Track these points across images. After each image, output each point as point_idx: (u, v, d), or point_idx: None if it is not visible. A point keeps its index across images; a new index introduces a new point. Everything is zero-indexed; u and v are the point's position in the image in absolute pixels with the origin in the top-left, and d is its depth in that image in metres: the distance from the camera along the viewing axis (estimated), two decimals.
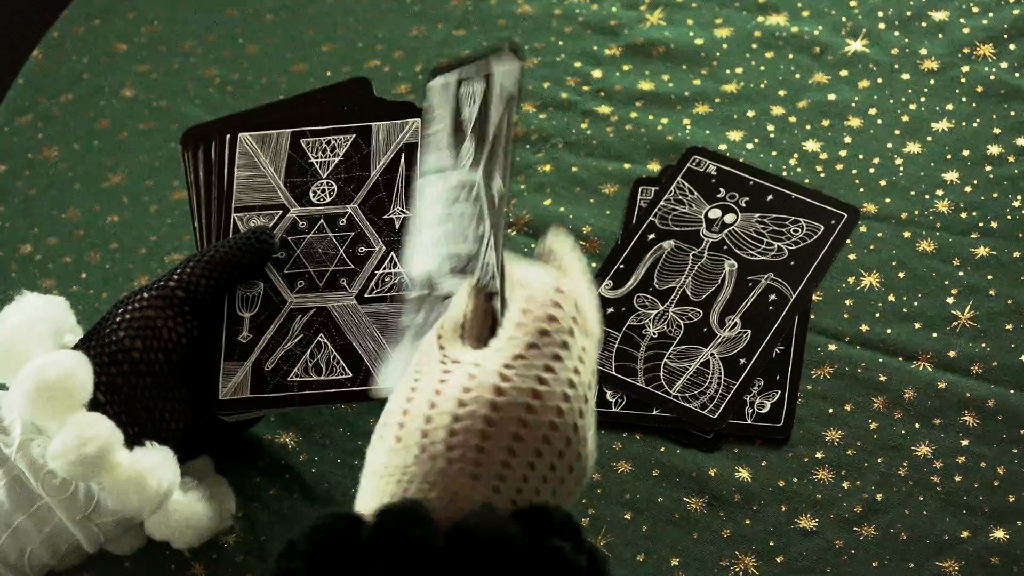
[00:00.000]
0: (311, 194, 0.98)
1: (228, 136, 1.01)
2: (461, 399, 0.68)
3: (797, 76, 1.15)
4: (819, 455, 0.96)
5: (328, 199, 0.98)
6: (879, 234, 1.05)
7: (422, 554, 0.64)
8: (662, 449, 0.97)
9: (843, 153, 1.10)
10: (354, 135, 0.99)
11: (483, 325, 0.75)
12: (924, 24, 1.17)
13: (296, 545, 0.67)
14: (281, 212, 0.98)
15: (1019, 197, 1.05)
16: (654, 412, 0.99)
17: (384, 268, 0.94)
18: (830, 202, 1.06)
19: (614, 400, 0.99)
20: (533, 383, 0.69)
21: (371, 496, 0.69)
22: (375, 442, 0.71)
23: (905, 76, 1.14)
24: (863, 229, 1.05)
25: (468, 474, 0.67)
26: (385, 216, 0.96)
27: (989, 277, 1.02)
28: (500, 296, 0.74)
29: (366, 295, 0.94)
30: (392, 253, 0.94)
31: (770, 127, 1.12)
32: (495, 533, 0.64)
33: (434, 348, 0.73)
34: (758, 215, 1.06)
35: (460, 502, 0.67)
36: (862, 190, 1.07)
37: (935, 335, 0.99)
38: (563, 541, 0.65)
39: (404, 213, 0.96)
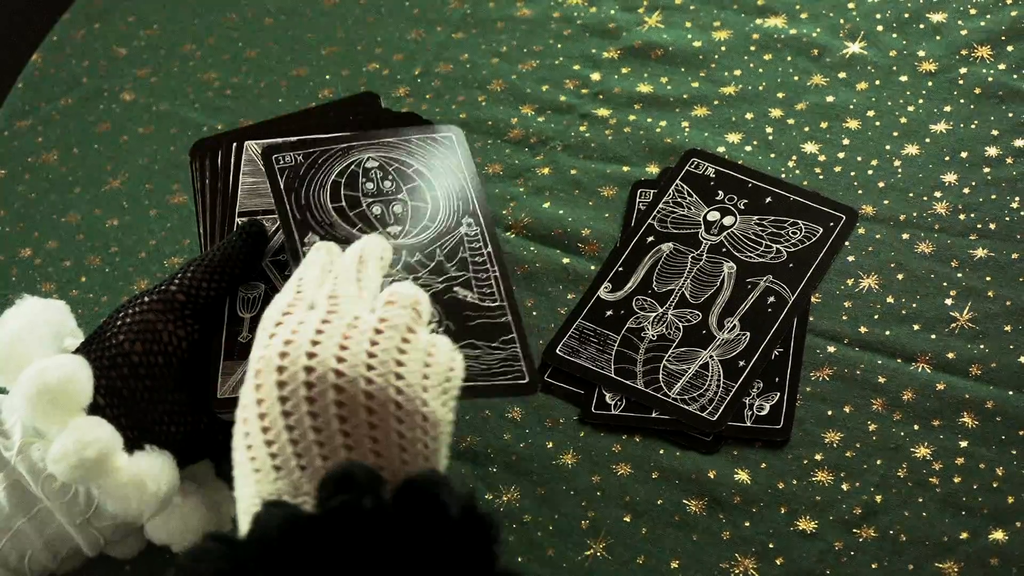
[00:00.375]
0: None
1: (235, 144, 1.01)
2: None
3: (795, 78, 1.16)
4: (818, 457, 0.96)
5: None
6: (877, 236, 1.05)
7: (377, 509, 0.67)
8: (661, 451, 0.98)
9: (841, 155, 1.10)
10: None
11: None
12: (922, 26, 1.17)
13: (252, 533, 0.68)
14: None
15: (1017, 199, 1.05)
16: (653, 414, 0.99)
17: None
18: (828, 204, 1.06)
19: (613, 402, 1.00)
20: (362, 358, 0.73)
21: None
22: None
23: (903, 78, 1.14)
24: (861, 231, 1.05)
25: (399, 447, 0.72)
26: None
27: (987, 279, 1.02)
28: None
29: None
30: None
31: (768, 129, 1.13)
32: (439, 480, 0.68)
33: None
34: (757, 217, 1.07)
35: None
36: (860, 192, 1.08)
37: (934, 337, 1.00)
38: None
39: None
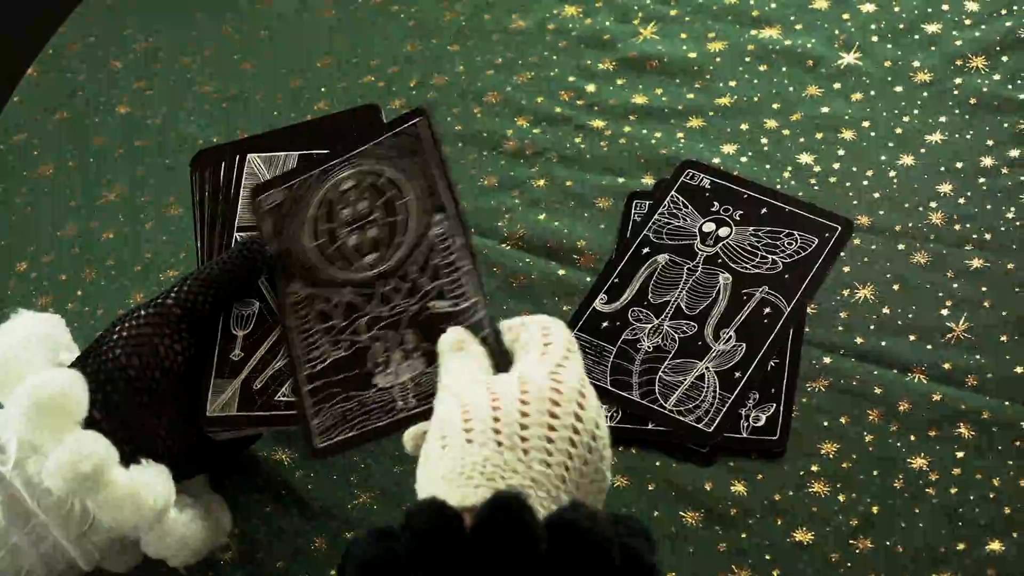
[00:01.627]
0: None
1: (237, 157, 1.01)
2: (522, 399, 0.76)
3: (790, 89, 1.16)
4: (814, 468, 0.96)
5: None
6: (873, 247, 1.05)
7: (528, 544, 0.68)
8: (658, 463, 0.97)
9: (837, 166, 1.10)
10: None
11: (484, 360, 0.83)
12: (917, 37, 1.17)
13: (399, 530, 0.70)
14: None
15: (1013, 209, 1.05)
16: (649, 426, 0.99)
17: None
18: (824, 215, 1.06)
19: (609, 414, 1.00)
20: (579, 385, 0.77)
21: (449, 492, 0.72)
22: (433, 452, 0.76)
23: (898, 89, 1.14)
24: (857, 242, 1.05)
25: (543, 462, 0.74)
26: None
27: (983, 289, 1.02)
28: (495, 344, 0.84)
29: None
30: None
31: (764, 140, 1.13)
32: (595, 529, 0.69)
33: (485, 368, 0.81)
34: (752, 228, 1.07)
35: (540, 489, 0.73)
36: (856, 202, 1.08)
37: (930, 347, 1.00)
38: (643, 542, 0.70)
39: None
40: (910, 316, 1.01)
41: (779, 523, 0.94)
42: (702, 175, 1.10)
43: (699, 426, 0.98)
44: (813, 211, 1.07)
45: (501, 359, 0.83)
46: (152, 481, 0.88)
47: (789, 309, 1.02)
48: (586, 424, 0.76)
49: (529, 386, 0.76)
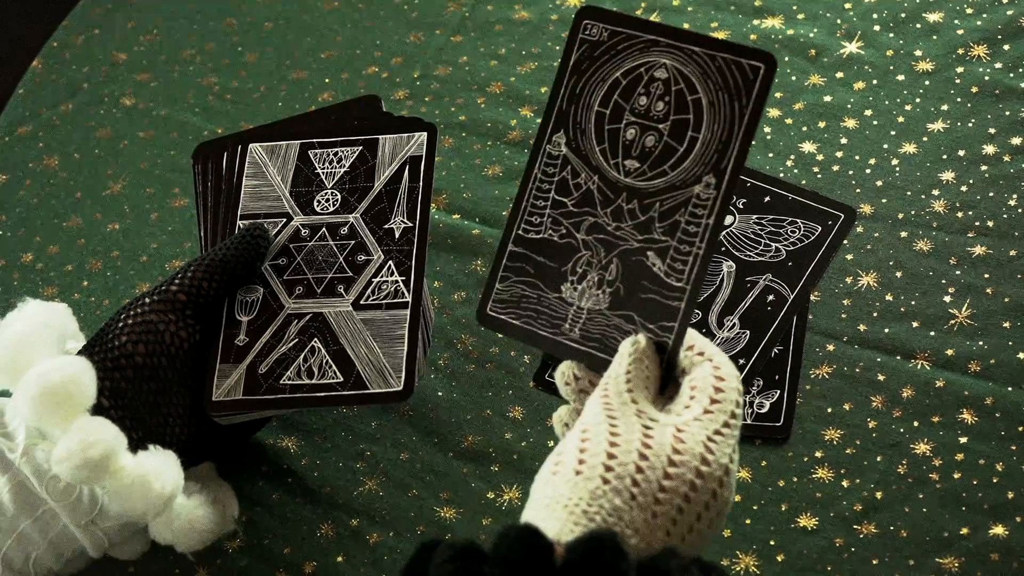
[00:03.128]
0: (315, 203, 0.99)
1: (239, 147, 1.01)
2: (672, 459, 0.74)
3: (793, 78, 1.16)
4: (819, 454, 0.96)
5: (331, 208, 0.98)
6: (876, 234, 1.05)
7: None
8: None
9: (839, 154, 1.10)
10: (360, 147, 1.00)
11: (647, 379, 0.79)
12: (919, 26, 1.17)
13: (480, 546, 0.69)
14: (285, 220, 0.98)
15: (1015, 196, 1.05)
16: None
17: (381, 276, 0.95)
18: (827, 203, 1.07)
19: None
20: (727, 460, 0.76)
21: (547, 522, 0.72)
22: (551, 473, 0.75)
23: (900, 77, 1.14)
24: (860, 229, 1.06)
25: (664, 530, 0.73)
26: (385, 226, 0.97)
27: (986, 275, 1.02)
28: (672, 355, 0.80)
29: (362, 302, 0.94)
30: (390, 262, 0.95)
31: (767, 129, 1.13)
32: None
33: (625, 402, 0.77)
34: (756, 216, 1.07)
35: (639, 536, 0.72)
36: (858, 191, 1.08)
37: (933, 334, 1.00)
38: None
39: (404, 223, 0.97)
40: (913, 303, 1.02)
41: (783, 509, 0.94)
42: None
43: None
44: (816, 199, 1.07)
45: (667, 372, 0.80)
46: (160, 467, 0.89)
47: (793, 296, 1.02)
48: (706, 481, 0.74)
49: (681, 447, 0.75)
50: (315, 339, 0.93)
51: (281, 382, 0.92)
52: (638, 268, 0.82)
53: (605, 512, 0.72)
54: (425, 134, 0.99)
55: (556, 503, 0.73)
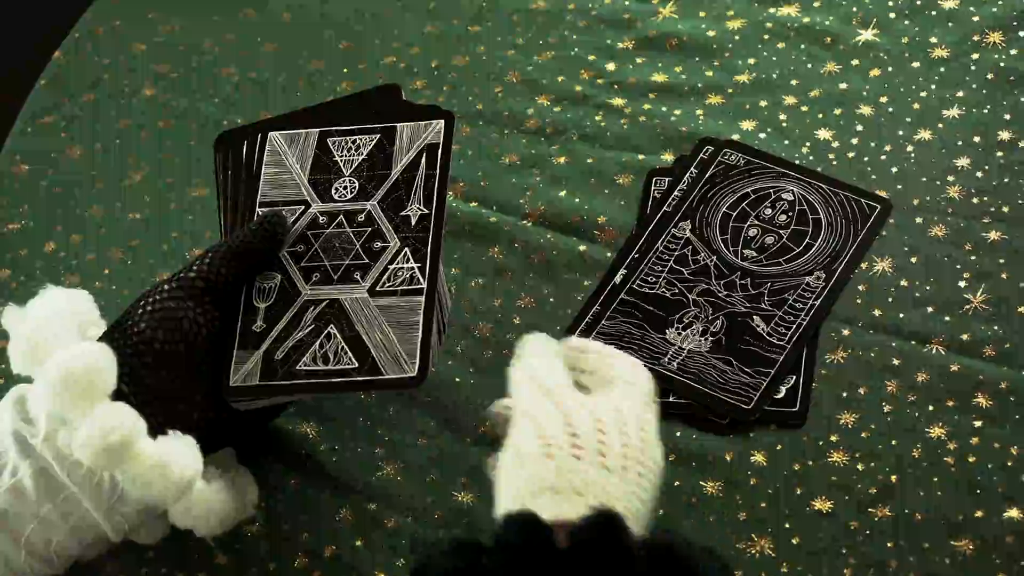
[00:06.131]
0: (333, 191, 0.99)
1: (259, 136, 1.02)
2: (623, 430, 0.78)
3: (809, 66, 1.16)
4: (834, 438, 0.97)
5: (349, 196, 0.99)
6: (891, 220, 1.06)
7: (628, 565, 0.69)
8: (678, 434, 0.98)
9: (855, 141, 1.11)
10: (379, 135, 1.01)
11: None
12: (934, 13, 1.17)
13: (479, 541, 0.71)
14: (303, 207, 0.99)
15: None
16: (670, 399, 0.99)
17: (397, 263, 0.96)
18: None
19: None
20: (655, 433, 0.81)
21: (542, 506, 0.73)
22: (545, 456, 0.77)
23: (916, 64, 1.15)
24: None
25: (638, 484, 0.76)
26: (402, 213, 0.97)
27: (1001, 261, 1.02)
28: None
29: (378, 288, 0.95)
30: (406, 249, 0.96)
31: (782, 116, 1.13)
32: (691, 556, 0.71)
33: (565, 387, 0.82)
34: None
35: (629, 513, 0.75)
36: (874, 177, 1.08)
37: (948, 319, 1.00)
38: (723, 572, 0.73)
39: (420, 210, 0.97)
40: (928, 288, 1.02)
41: (798, 492, 0.95)
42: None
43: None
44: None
45: None
46: (180, 453, 0.89)
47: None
48: (651, 450, 0.80)
49: (624, 416, 0.79)
50: (331, 325, 0.94)
51: (297, 368, 0.93)
52: (743, 327, 1.00)
53: (595, 489, 0.75)
54: (442, 122, 1.00)
55: (544, 487, 0.74)
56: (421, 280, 0.94)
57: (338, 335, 0.93)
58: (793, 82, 1.15)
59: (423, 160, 0.99)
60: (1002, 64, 1.13)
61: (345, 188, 0.99)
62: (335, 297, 0.95)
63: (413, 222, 0.97)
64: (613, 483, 0.74)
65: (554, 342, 0.87)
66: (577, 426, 0.77)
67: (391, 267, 0.95)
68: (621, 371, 0.84)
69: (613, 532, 0.68)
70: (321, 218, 0.99)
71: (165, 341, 0.92)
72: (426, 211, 0.97)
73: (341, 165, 1.00)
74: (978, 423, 0.95)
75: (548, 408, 0.79)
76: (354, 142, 1.01)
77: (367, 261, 0.96)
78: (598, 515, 0.69)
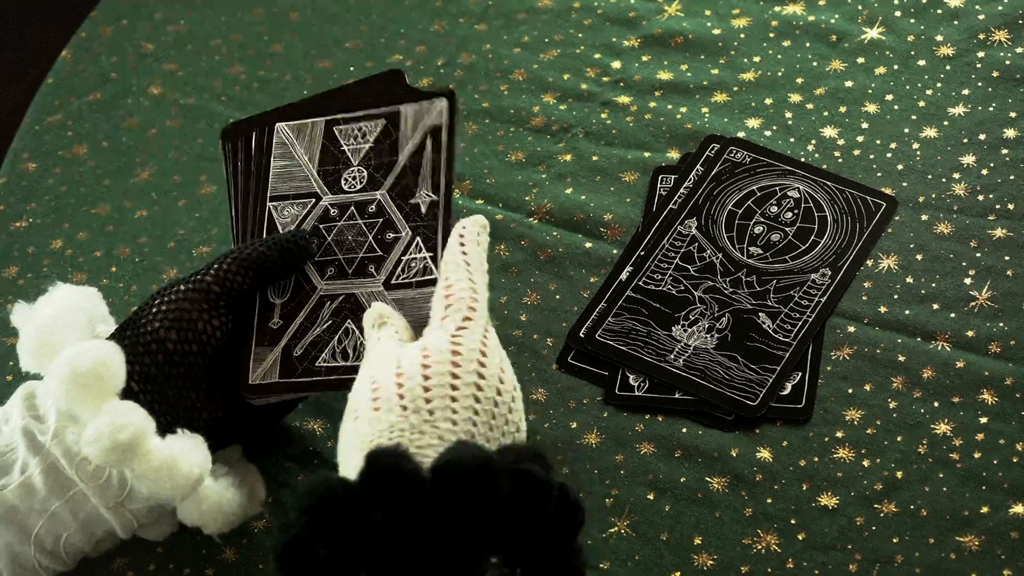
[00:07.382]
0: (343, 182, 0.99)
1: (266, 127, 1.02)
2: (424, 364, 0.81)
3: (814, 64, 1.17)
4: (839, 434, 0.97)
5: (359, 186, 0.99)
6: (896, 217, 1.06)
7: (411, 487, 0.71)
8: (684, 430, 0.99)
9: (860, 139, 1.11)
10: (384, 121, 1.00)
11: (405, 327, 0.91)
12: (939, 11, 1.18)
13: (292, 507, 0.72)
14: (314, 200, 0.99)
15: None
16: (676, 395, 1.00)
17: (410, 254, 0.96)
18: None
19: (636, 384, 1.01)
20: (479, 345, 0.83)
21: (358, 465, 0.74)
22: (347, 424, 0.82)
23: (921, 62, 1.15)
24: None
25: (448, 420, 0.79)
26: (411, 201, 0.97)
27: (1006, 258, 1.03)
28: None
29: (393, 281, 0.95)
30: (417, 238, 0.96)
31: (788, 114, 1.14)
32: (477, 464, 0.71)
33: (378, 343, 0.87)
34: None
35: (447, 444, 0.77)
36: (879, 175, 1.09)
37: (953, 315, 1.01)
38: (534, 464, 0.73)
39: (429, 196, 0.97)
40: (933, 285, 1.02)
41: (804, 488, 0.95)
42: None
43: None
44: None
45: None
46: (188, 450, 0.89)
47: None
48: (488, 380, 0.81)
49: (430, 352, 0.82)
50: (348, 320, 0.94)
51: (316, 364, 0.93)
52: (748, 324, 1.01)
53: (408, 434, 0.78)
54: (445, 101, 0.99)
55: (364, 442, 0.79)
56: (434, 270, 0.94)
57: (356, 331, 0.94)
58: (799, 80, 1.16)
59: (428, 143, 0.98)
60: (1008, 62, 1.13)
61: (354, 178, 0.99)
62: (351, 292, 0.95)
63: (423, 209, 0.97)
64: (425, 427, 0.78)
65: (389, 311, 0.91)
66: (378, 379, 0.81)
67: (404, 258, 0.95)
68: (443, 298, 0.86)
69: (388, 465, 0.71)
70: (332, 210, 0.99)
71: (178, 341, 0.92)
72: (435, 197, 0.97)
73: (349, 154, 1.00)
74: (983, 419, 0.96)
75: (364, 376, 0.83)
76: (360, 129, 1.00)
77: (380, 253, 0.96)
78: (369, 455, 0.72)
